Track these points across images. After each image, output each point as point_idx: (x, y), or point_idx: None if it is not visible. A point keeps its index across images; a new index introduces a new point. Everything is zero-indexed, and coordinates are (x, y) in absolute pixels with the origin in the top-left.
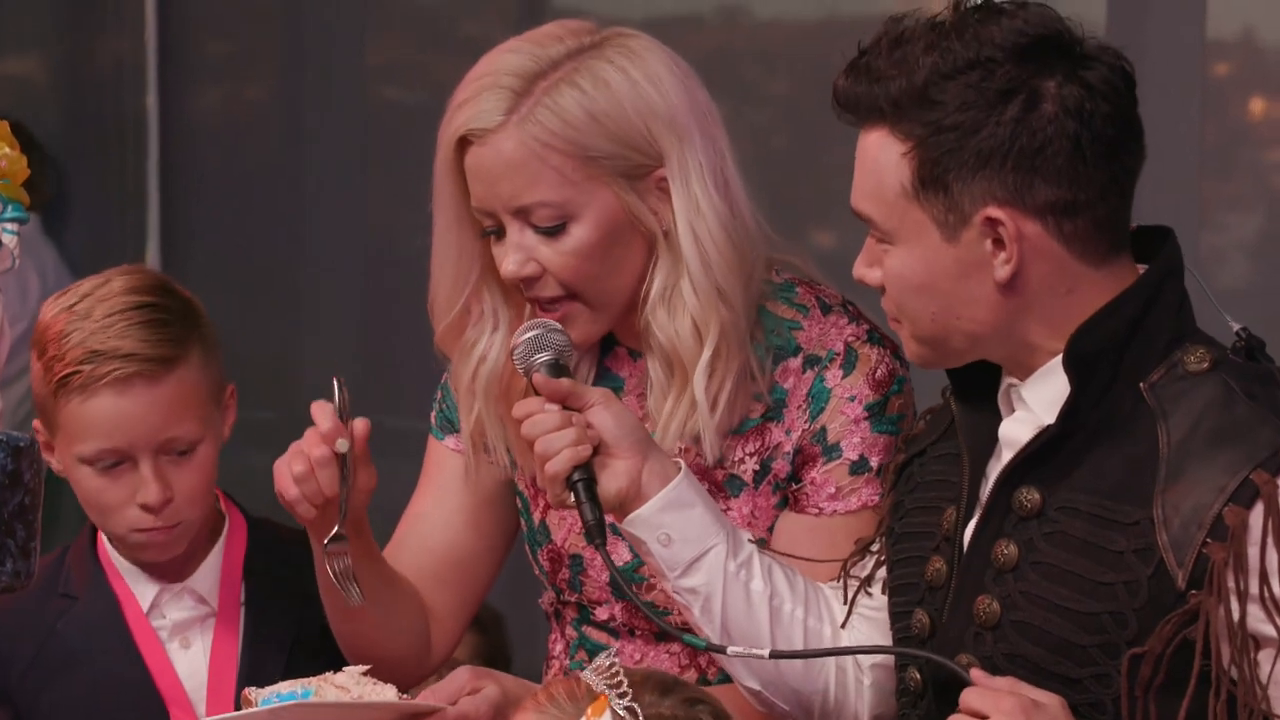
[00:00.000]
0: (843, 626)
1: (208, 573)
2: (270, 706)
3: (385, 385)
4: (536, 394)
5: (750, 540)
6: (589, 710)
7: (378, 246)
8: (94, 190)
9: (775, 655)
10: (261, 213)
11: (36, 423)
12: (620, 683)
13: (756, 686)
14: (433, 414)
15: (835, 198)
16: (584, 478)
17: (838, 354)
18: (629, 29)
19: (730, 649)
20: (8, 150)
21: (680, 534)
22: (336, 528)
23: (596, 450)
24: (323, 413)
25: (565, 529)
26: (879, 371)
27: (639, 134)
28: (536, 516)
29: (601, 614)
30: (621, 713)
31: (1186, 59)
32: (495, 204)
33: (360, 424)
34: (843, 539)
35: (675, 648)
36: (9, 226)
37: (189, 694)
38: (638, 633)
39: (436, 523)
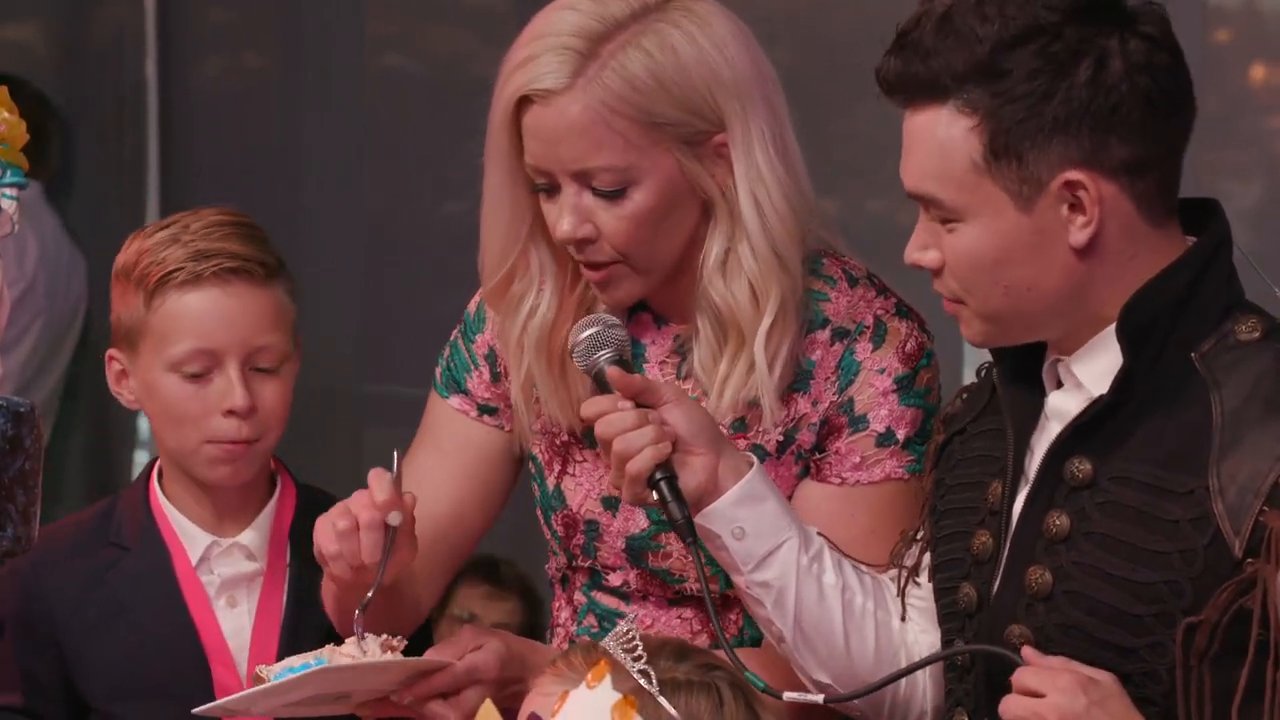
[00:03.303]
0: (902, 620)
1: (259, 530)
2: (284, 679)
3: (383, 352)
4: (602, 391)
5: (819, 534)
6: (589, 675)
7: (376, 213)
8: (93, 156)
9: (830, 701)
10: (261, 179)
11: (111, 351)
12: (635, 647)
13: (826, 680)
14: (438, 370)
15: (838, 167)
16: (666, 475)
17: (867, 327)
18: None
19: (785, 695)
20: (6, 115)
21: (754, 528)
22: (370, 594)
23: (673, 447)
24: (380, 482)
25: (581, 495)
26: (909, 345)
27: (703, 100)
28: (550, 482)
29: (615, 579)
30: (636, 676)
31: (1187, 25)
32: (554, 165)
33: (410, 499)
34: (863, 510)
35: (688, 613)
36: (8, 191)
37: (233, 652)
38: (651, 598)
39: (435, 482)
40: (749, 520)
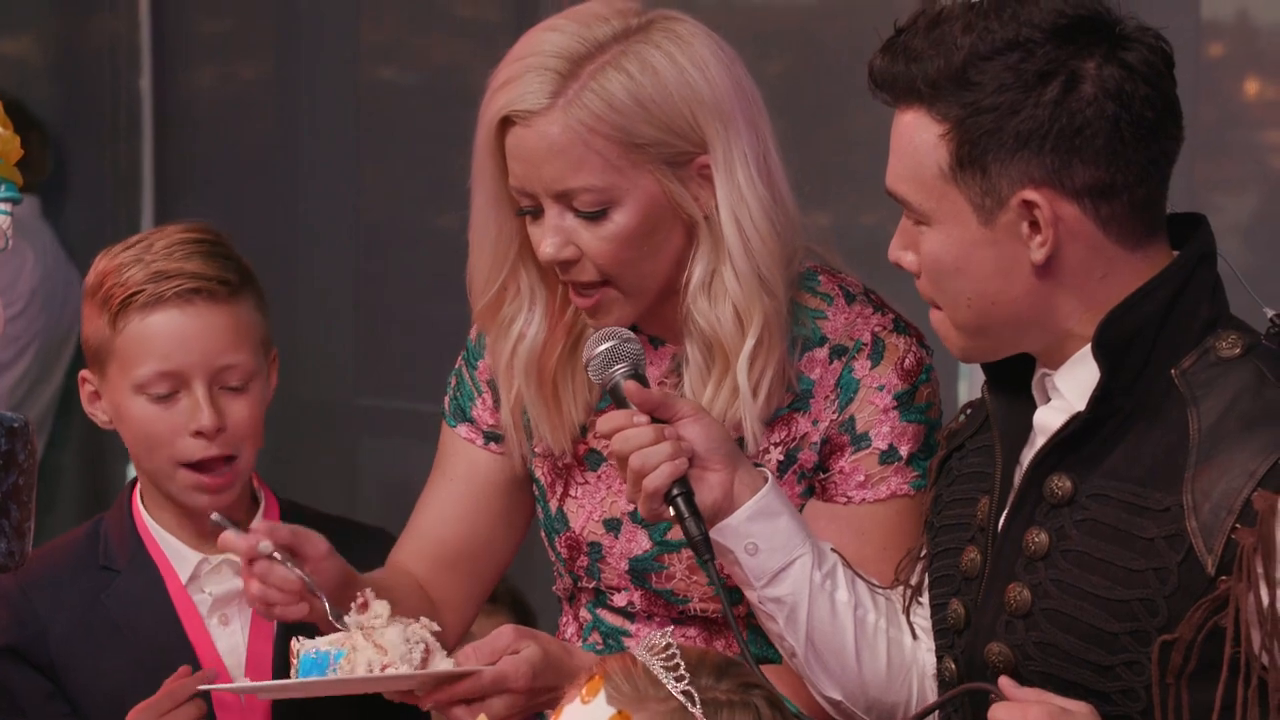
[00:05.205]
0: (914, 638)
1: None
2: (303, 681)
3: (377, 364)
4: (618, 405)
5: (832, 550)
6: (584, 690)
7: (371, 225)
8: (88, 170)
9: None
10: (255, 192)
11: (84, 373)
12: (677, 665)
13: (838, 697)
14: (446, 399)
15: (831, 178)
16: (683, 491)
17: (865, 344)
18: (675, 12)
19: None
20: (1, 130)
21: (767, 543)
22: (325, 603)
23: (690, 462)
24: (230, 540)
25: (584, 517)
26: (907, 360)
27: (684, 121)
28: (554, 504)
29: (619, 600)
30: (679, 696)
31: (1181, 40)
32: (536, 186)
33: (261, 525)
34: (871, 528)
35: (691, 632)
36: (2, 206)
37: (229, 670)
38: (655, 618)
39: (448, 511)
40: (762, 536)
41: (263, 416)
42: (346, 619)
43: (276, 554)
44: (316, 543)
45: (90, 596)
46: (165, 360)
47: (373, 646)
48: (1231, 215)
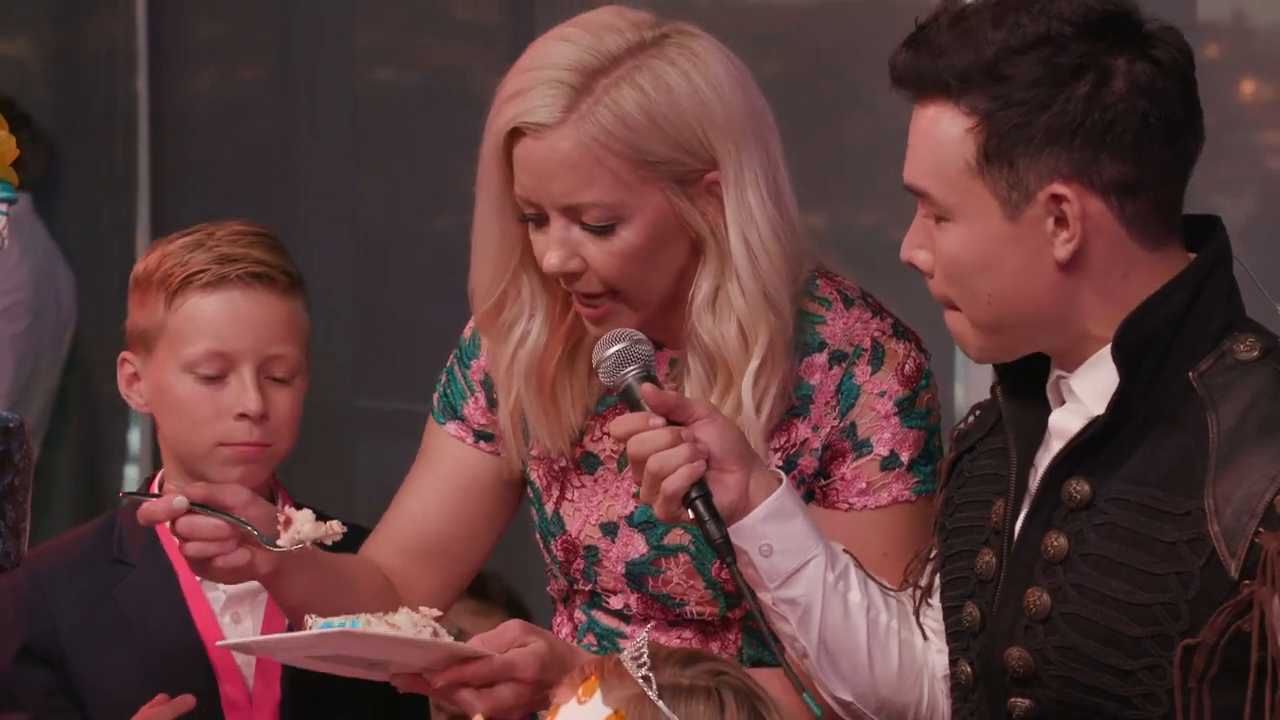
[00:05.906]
0: (925, 639)
1: None
2: (317, 632)
3: (376, 366)
4: (632, 408)
5: (845, 551)
6: (580, 690)
7: (369, 227)
8: (84, 172)
9: None
10: (253, 194)
11: (124, 354)
12: (641, 653)
13: (848, 698)
14: (435, 396)
15: (829, 179)
16: (701, 494)
17: (865, 350)
18: (689, 25)
19: None
20: None
21: (781, 545)
22: (267, 539)
23: (706, 464)
24: (149, 509)
25: (580, 520)
26: (907, 366)
27: (697, 140)
28: (549, 508)
29: (615, 602)
30: (640, 683)
31: None
32: (544, 198)
33: (168, 489)
34: (873, 535)
35: (688, 634)
36: None
37: (240, 668)
38: (651, 620)
39: (428, 506)
40: (776, 537)
41: (299, 415)
42: (279, 541)
43: (194, 507)
44: (236, 492)
45: (101, 590)
46: (218, 340)
47: (385, 625)
48: (1229, 217)
